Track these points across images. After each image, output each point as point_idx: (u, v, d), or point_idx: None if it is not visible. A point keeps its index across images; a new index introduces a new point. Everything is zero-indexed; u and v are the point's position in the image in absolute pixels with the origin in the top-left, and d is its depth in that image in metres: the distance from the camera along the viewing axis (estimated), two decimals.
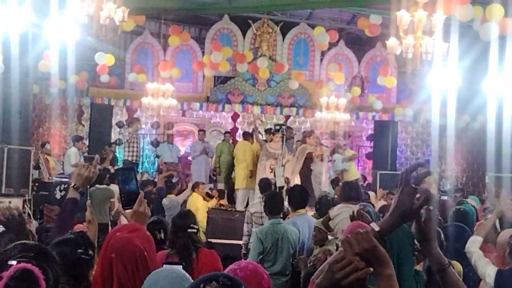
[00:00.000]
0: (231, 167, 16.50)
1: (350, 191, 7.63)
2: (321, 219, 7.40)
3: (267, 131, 15.51)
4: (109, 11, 8.30)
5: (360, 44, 20.67)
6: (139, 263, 3.23)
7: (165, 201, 13.13)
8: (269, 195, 8.08)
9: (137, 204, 3.64)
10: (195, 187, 13.39)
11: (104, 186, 12.80)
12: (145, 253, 3.24)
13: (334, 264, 2.28)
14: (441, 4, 9.52)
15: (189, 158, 18.17)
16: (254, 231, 7.03)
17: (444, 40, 10.66)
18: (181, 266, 3.38)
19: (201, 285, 2.45)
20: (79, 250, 3.45)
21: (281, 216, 7.76)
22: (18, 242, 2.51)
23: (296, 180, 13.73)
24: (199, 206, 12.56)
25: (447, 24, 10.50)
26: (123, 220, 5.38)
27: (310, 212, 9.07)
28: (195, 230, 5.23)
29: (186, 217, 5.39)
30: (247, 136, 16.29)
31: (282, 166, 13.21)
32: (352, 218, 5.32)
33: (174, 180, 15.63)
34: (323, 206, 8.50)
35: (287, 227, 7.32)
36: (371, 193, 14.11)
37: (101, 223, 8.72)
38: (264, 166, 14.31)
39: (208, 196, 14.19)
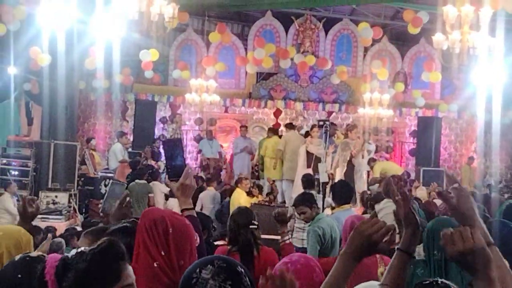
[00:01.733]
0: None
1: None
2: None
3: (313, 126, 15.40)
4: (160, 7, 8.37)
5: (403, 40, 20.49)
6: (159, 229, 3.18)
7: (203, 193, 13.24)
8: (337, 184, 8.01)
9: (183, 177, 3.64)
10: (238, 182, 13.43)
11: (143, 181, 12.93)
12: (170, 228, 3.18)
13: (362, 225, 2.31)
14: None
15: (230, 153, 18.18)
16: (312, 228, 6.91)
17: (491, 35, 10.53)
18: None
19: (197, 270, 2.47)
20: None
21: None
22: None
23: (339, 175, 13.71)
24: (242, 201, 12.58)
25: (493, 19, 10.37)
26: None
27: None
28: (256, 227, 5.18)
29: (246, 213, 5.32)
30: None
31: (325, 162, 13.20)
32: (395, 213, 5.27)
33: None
34: (368, 202, 8.47)
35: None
36: (423, 189, 13.81)
37: (138, 218, 8.82)
38: (304, 163, 14.27)
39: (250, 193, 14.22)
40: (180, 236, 3.10)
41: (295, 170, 14.44)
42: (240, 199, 12.84)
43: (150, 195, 12.75)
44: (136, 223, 3.33)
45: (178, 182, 3.64)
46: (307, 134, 14.92)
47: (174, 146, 3.97)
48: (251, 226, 5.11)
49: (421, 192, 12.81)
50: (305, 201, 7.08)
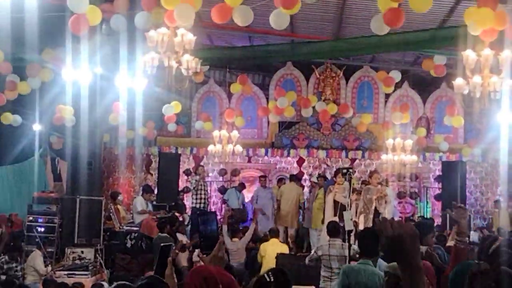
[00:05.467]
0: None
1: (420, 234, 7.46)
2: (392, 263, 7.25)
3: (336, 172, 15.46)
4: (187, 63, 8.50)
5: (424, 85, 20.53)
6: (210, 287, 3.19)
7: (229, 245, 13.19)
8: (363, 235, 7.94)
9: (217, 249, 3.67)
10: (269, 233, 13.48)
11: (165, 234, 12.95)
12: (220, 285, 3.23)
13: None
14: (509, 42, 9.42)
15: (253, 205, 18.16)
16: (342, 267, 6.91)
17: None
18: None
19: None
20: None
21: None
22: None
23: (363, 222, 13.67)
24: (269, 252, 12.56)
25: None
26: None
27: None
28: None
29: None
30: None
31: (349, 209, 13.17)
32: (421, 259, 5.23)
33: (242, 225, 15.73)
34: None
35: (375, 271, 7.15)
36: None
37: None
38: (332, 211, 14.29)
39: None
40: None
41: (286, 218, 16.70)
42: (266, 248, 12.78)
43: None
44: (157, 278, 3.36)
45: (211, 254, 3.67)
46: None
47: (209, 219, 4.04)
48: None
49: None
50: None
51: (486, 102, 10.28)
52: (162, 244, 10.89)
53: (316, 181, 17.24)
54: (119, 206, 16.23)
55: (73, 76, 11.93)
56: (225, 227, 13.42)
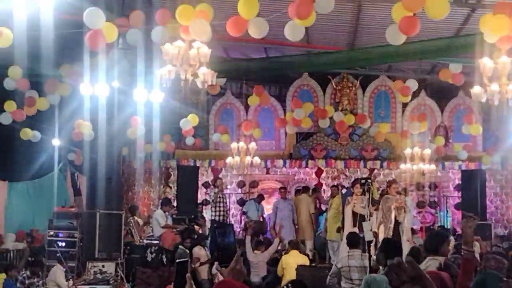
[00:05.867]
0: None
1: (434, 244, 7.34)
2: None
3: (354, 182, 15.43)
4: (204, 76, 8.54)
5: (442, 93, 20.44)
6: None
7: (251, 257, 13.20)
8: (385, 243, 7.93)
9: (235, 262, 3.66)
10: (290, 244, 13.49)
11: (183, 249, 13.02)
12: None
13: None
14: None
15: (272, 218, 18.10)
16: (365, 278, 6.91)
17: None
18: None
19: None
20: None
21: None
22: None
23: (383, 233, 13.62)
24: (290, 263, 12.57)
25: None
26: None
27: None
28: None
29: None
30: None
31: (369, 220, 13.16)
32: (440, 270, 5.21)
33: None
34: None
35: None
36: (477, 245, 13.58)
37: None
38: (351, 222, 14.27)
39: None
40: None
41: (302, 230, 17.01)
42: (287, 260, 12.78)
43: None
44: None
45: (229, 267, 3.66)
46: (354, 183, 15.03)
47: (226, 231, 4.04)
48: None
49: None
50: None
51: (504, 109, 10.23)
52: (177, 260, 10.97)
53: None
54: (139, 219, 16.29)
55: (91, 90, 12.01)
56: (248, 238, 13.44)
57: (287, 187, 19.68)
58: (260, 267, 13.28)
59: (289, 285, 4.65)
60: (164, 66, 8.75)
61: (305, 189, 18.41)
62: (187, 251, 13.35)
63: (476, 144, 19.83)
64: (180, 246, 13.65)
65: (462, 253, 5.36)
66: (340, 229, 15.24)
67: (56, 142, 17.00)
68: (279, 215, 17.35)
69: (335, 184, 18.84)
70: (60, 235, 14.17)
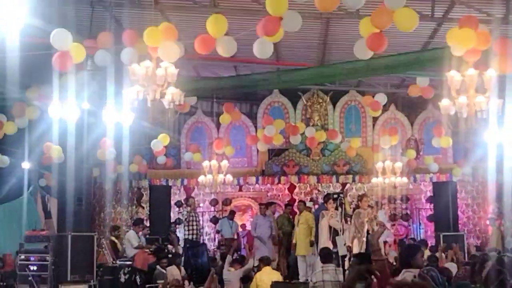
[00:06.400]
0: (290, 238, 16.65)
1: (408, 256, 7.32)
2: None
3: (326, 197, 15.44)
4: (172, 95, 8.52)
5: (411, 107, 20.60)
6: None
7: (225, 274, 13.13)
8: (359, 257, 7.90)
9: (209, 281, 3.64)
10: (261, 261, 13.39)
11: (159, 269, 12.96)
12: None
13: None
14: (493, 62, 9.47)
15: (253, 234, 17.93)
16: None
17: (499, 96, 10.55)
18: None
19: None
20: None
21: None
22: None
23: (357, 247, 13.64)
24: (265, 280, 12.50)
25: (500, 80, 10.40)
26: None
27: None
28: None
29: None
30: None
31: (342, 234, 13.19)
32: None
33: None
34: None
35: None
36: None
37: None
38: (327, 235, 14.28)
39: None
40: None
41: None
42: (262, 277, 12.72)
43: (159, 281, 12.83)
44: None
45: (204, 287, 3.63)
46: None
47: (199, 251, 4.00)
48: None
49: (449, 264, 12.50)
50: None
51: (473, 121, 10.32)
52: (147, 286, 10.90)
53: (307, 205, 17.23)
54: (117, 241, 16.11)
55: (60, 113, 11.88)
56: (229, 257, 13.39)
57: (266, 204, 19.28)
58: (234, 284, 13.20)
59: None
60: (132, 86, 8.72)
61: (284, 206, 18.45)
62: (164, 271, 13.26)
63: (446, 156, 20.01)
64: (158, 266, 13.57)
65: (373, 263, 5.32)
66: (313, 243, 15.20)
67: (25, 165, 16.81)
68: (257, 231, 17.20)
69: (301, 200, 18.83)
70: (32, 258, 13.95)
